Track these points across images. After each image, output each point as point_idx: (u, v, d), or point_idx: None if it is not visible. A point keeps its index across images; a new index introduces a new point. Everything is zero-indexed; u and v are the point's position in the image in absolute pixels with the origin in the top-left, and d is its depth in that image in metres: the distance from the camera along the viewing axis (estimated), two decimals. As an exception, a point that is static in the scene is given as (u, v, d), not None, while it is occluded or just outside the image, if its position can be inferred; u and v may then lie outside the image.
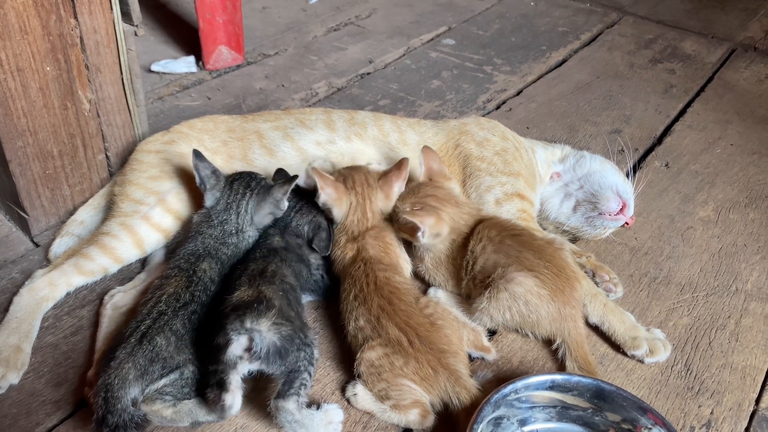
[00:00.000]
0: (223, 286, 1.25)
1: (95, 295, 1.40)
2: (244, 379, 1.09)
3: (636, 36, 2.71)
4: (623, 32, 2.74)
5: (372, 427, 1.17)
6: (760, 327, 1.41)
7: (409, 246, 1.42)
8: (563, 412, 1.18)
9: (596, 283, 1.44)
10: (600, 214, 1.53)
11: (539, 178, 1.63)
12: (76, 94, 1.47)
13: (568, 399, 1.17)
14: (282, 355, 1.08)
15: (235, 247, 1.33)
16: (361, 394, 1.18)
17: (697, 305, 1.46)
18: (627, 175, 1.72)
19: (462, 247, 1.34)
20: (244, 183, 1.37)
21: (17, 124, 1.40)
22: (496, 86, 2.30)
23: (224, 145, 1.55)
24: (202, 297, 1.21)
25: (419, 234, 1.32)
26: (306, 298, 1.37)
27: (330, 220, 1.41)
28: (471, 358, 1.27)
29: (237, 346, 1.07)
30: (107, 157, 1.61)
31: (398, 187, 1.41)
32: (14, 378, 1.21)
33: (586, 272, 1.45)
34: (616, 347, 1.34)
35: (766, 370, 1.32)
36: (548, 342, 1.32)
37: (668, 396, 1.26)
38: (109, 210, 1.50)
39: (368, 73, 2.35)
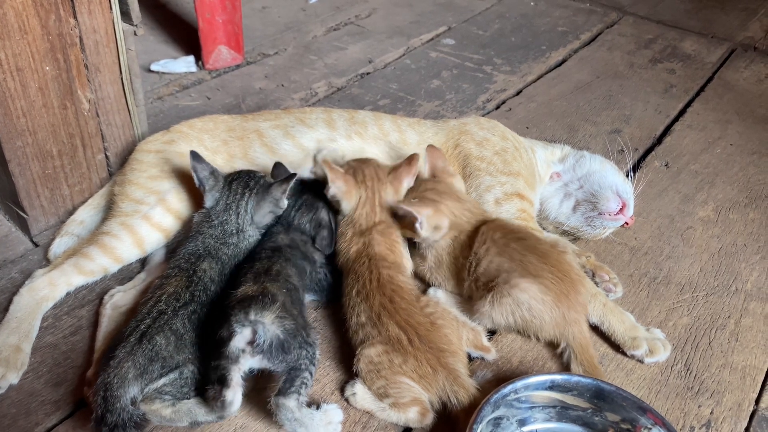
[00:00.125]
0: (229, 284, 1.25)
1: (95, 294, 1.40)
2: (245, 378, 1.09)
3: (636, 36, 2.71)
4: (623, 32, 2.74)
5: (372, 427, 1.17)
6: (760, 327, 1.41)
7: (412, 246, 1.42)
8: (563, 412, 1.18)
9: (596, 283, 1.44)
10: (600, 214, 1.53)
11: (539, 178, 1.63)
12: (75, 94, 1.47)
13: (568, 399, 1.17)
14: (284, 349, 1.09)
15: (236, 246, 1.33)
16: (360, 393, 1.18)
17: (696, 305, 1.46)
18: (627, 175, 1.72)
19: (465, 247, 1.34)
20: (243, 183, 1.37)
21: (16, 124, 1.40)
22: (495, 86, 2.30)
23: (224, 144, 1.55)
24: (202, 297, 1.21)
25: (417, 225, 1.32)
26: (308, 298, 1.37)
27: (335, 212, 1.41)
28: (471, 358, 1.27)
29: (240, 338, 1.07)
30: (107, 156, 1.61)
31: (407, 182, 1.41)
32: (14, 378, 1.21)
33: (585, 272, 1.45)
34: (616, 347, 1.34)
35: (766, 370, 1.32)
36: (549, 342, 1.32)
37: (668, 396, 1.26)
38: (108, 210, 1.50)
39: (368, 73, 2.34)
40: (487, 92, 2.26)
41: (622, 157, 1.90)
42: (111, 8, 1.45)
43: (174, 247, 1.43)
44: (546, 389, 1.16)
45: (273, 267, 1.23)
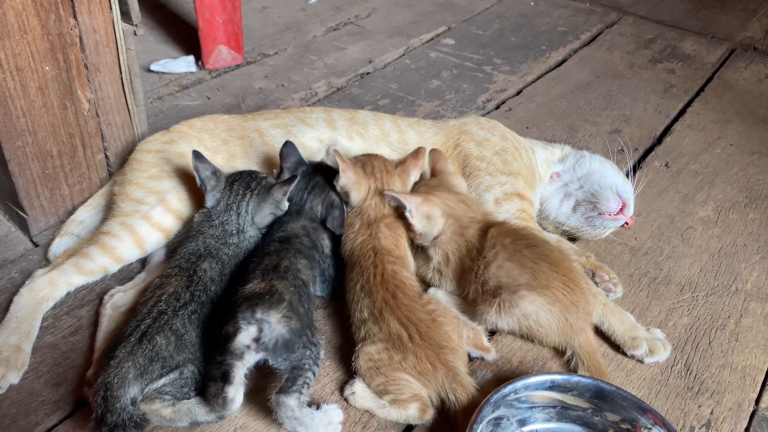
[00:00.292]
0: (237, 278, 1.26)
1: (95, 294, 1.40)
2: (246, 377, 1.09)
3: (636, 36, 2.71)
4: (623, 32, 2.74)
5: (371, 426, 1.17)
6: (760, 327, 1.41)
7: (418, 249, 1.41)
8: (563, 413, 1.18)
9: (596, 283, 1.44)
10: (600, 214, 1.53)
11: (539, 178, 1.63)
12: (75, 94, 1.47)
13: (568, 399, 1.17)
14: (289, 348, 1.09)
15: (236, 247, 1.33)
16: (359, 392, 1.18)
17: (696, 305, 1.46)
18: (627, 175, 1.72)
19: (473, 249, 1.33)
20: (244, 183, 1.37)
21: (16, 124, 1.40)
22: (495, 86, 2.30)
23: (225, 143, 1.55)
24: (202, 296, 1.21)
25: (408, 214, 1.33)
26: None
27: (344, 203, 1.41)
28: (470, 358, 1.27)
29: (246, 335, 1.08)
30: (106, 156, 1.61)
31: (415, 175, 1.43)
32: (14, 378, 1.21)
33: (585, 272, 1.45)
34: (616, 347, 1.34)
35: (766, 370, 1.32)
36: (550, 346, 1.32)
37: (668, 396, 1.26)
38: (108, 210, 1.50)
39: (368, 73, 2.34)
40: (487, 92, 2.26)
41: (622, 157, 1.90)
42: (111, 8, 1.45)
43: (174, 246, 1.43)
44: (546, 389, 1.16)
45: (282, 263, 1.23)
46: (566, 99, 2.24)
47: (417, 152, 1.43)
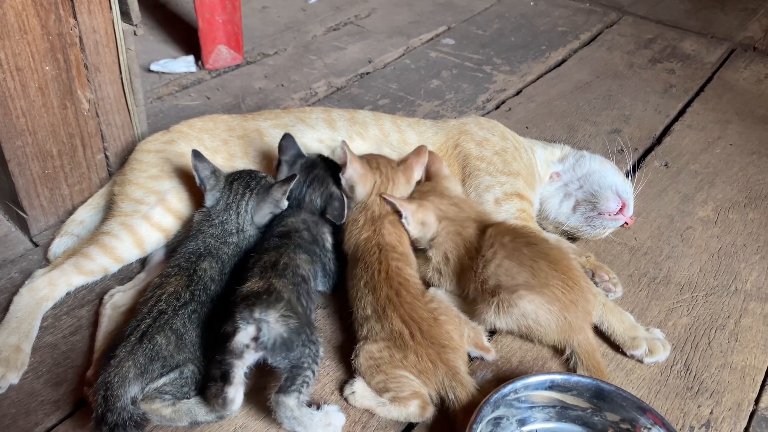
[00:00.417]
0: (236, 274, 1.26)
1: (94, 294, 1.40)
2: (246, 376, 1.09)
3: (635, 36, 2.71)
4: (623, 32, 2.74)
5: (371, 426, 1.17)
6: (760, 327, 1.41)
7: (417, 250, 1.42)
8: (562, 412, 1.18)
9: (596, 283, 1.44)
10: (599, 213, 1.53)
11: (539, 178, 1.63)
12: (75, 94, 1.47)
13: (568, 399, 1.17)
14: (288, 346, 1.09)
15: (236, 246, 1.33)
16: (359, 391, 1.19)
17: (696, 305, 1.46)
18: (626, 175, 1.72)
19: (471, 248, 1.33)
20: (244, 183, 1.37)
21: (16, 124, 1.40)
22: (495, 86, 2.30)
23: (225, 143, 1.55)
24: (202, 296, 1.21)
25: (404, 221, 1.35)
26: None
27: (347, 197, 1.41)
28: (470, 358, 1.27)
29: (244, 334, 1.08)
30: (106, 156, 1.61)
31: (418, 172, 1.44)
32: (14, 378, 1.21)
33: (585, 272, 1.45)
34: (616, 347, 1.34)
35: (765, 370, 1.32)
36: (549, 345, 1.32)
37: (668, 396, 1.26)
38: (108, 210, 1.50)
39: (368, 73, 2.34)
40: (486, 92, 2.26)
41: (621, 157, 1.90)
42: (111, 8, 1.45)
43: (174, 246, 1.43)
44: (546, 389, 1.16)
45: (281, 259, 1.23)
46: (566, 99, 2.24)
47: (419, 150, 1.45)
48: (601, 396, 1.15)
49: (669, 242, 1.63)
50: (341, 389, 1.22)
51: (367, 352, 1.19)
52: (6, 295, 1.37)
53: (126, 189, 1.46)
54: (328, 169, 1.43)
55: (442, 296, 1.36)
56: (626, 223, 1.55)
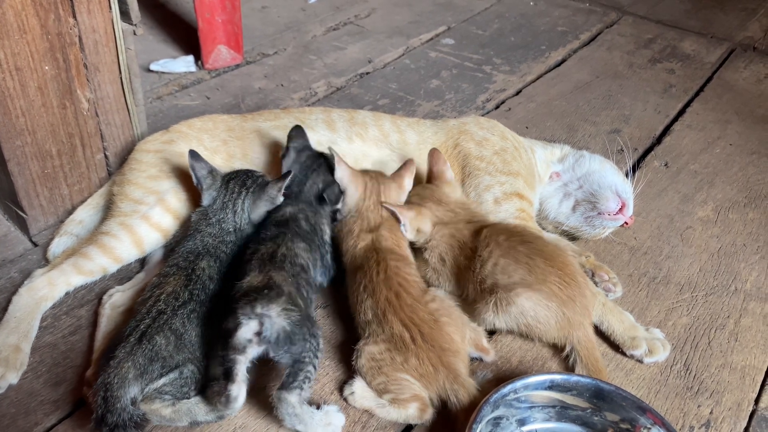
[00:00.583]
0: (234, 267, 1.26)
1: (94, 294, 1.39)
2: (248, 371, 1.09)
3: (635, 36, 2.71)
4: (622, 32, 2.74)
5: (371, 426, 1.17)
6: (759, 327, 1.41)
7: (416, 251, 1.42)
8: (562, 412, 1.18)
9: (595, 283, 1.44)
10: (599, 213, 1.53)
11: (538, 178, 1.63)
12: (74, 94, 1.47)
13: (567, 399, 1.17)
14: (291, 340, 1.09)
15: (234, 245, 1.33)
16: (358, 391, 1.18)
17: (696, 305, 1.46)
18: (626, 175, 1.72)
19: (467, 248, 1.33)
20: (240, 182, 1.37)
21: (15, 123, 1.40)
22: (495, 86, 2.30)
23: (224, 144, 1.55)
24: (201, 295, 1.21)
25: (402, 228, 1.37)
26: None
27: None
28: (470, 359, 1.27)
29: (247, 329, 1.08)
30: (106, 156, 1.61)
31: (408, 180, 1.44)
32: (13, 378, 1.20)
33: (585, 272, 1.45)
34: (615, 347, 1.34)
35: (765, 370, 1.32)
36: (551, 344, 1.32)
37: (667, 396, 1.26)
38: (108, 209, 1.49)
39: (367, 73, 2.34)
40: (486, 92, 2.26)
41: (621, 156, 1.90)
42: (110, 8, 1.45)
43: (173, 246, 1.43)
44: (545, 389, 1.16)
45: (278, 250, 1.23)
46: (566, 99, 2.24)
47: (406, 162, 1.46)
48: (600, 396, 1.15)
49: (669, 242, 1.63)
50: (341, 389, 1.22)
51: (369, 354, 1.19)
52: (5, 295, 1.36)
53: (125, 189, 1.46)
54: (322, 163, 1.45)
55: (443, 295, 1.36)
56: (626, 222, 1.55)
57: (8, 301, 1.33)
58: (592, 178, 1.58)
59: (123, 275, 1.44)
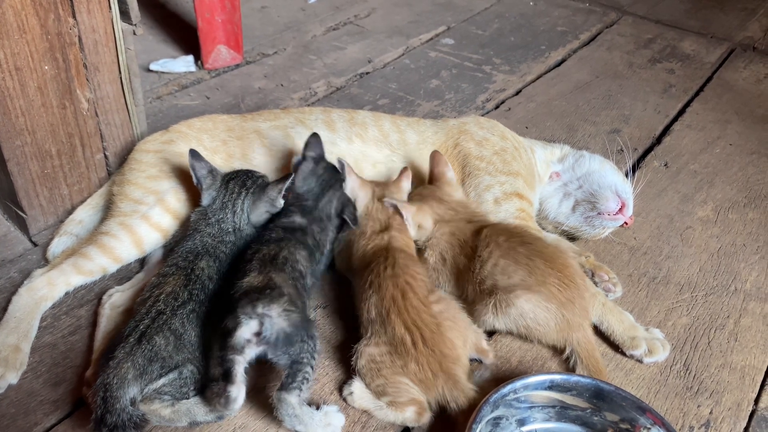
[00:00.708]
0: (234, 267, 1.26)
1: (93, 294, 1.39)
2: (246, 371, 1.09)
3: (635, 36, 2.71)
4: (622, 32, 2.74)
5: (371, 426, 1.17)
6: (759, 327, 1.41)
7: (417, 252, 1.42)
8: (562, 412, 1.18)
9: (595, 283, 1.44)
10: (599, 213, 1.53)
11: (538, 178, 1.63)
12: (74, 93, 1.47)
13: (567, 399, 1.17)
14: (290, 341, 1.10)
15: (233, 245, 1.33)
16: (357, 392, 1.18)
17: (696, 305, 1.46)
18: (626, 175, 1.72)
19: (466, 247, 1.33)
20: (240, 182, 1.37)
21: (15, 123, 1.40)
22: (495, 86, 2.30)
23: (224, 144, 1.55)
24: (200, 295, 1.21)
25: (405, 221, 1.37)
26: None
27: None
28: (470, 360, 1.27)
29: (246, 329, 1.08)
30: (105, 156, 1.61)
31: (407, 183, 1.46)
32: (13, 378, 1.20)
33: (585, 272, 1.45)
34: (615, 347, 1.34)
35: (765, 370, 1.32)
36: (549, 345, 1.32)
37: (667, 396, 1.26)
38: (107, 210, 1.50)
39: (367, 73, 2.34)
40: (486, 92, 2.26)
41: (621, 156, 1.90)
42: (110, 7, 1.45)
43: (172, 246, 1.43)
44: (545, 389, 1.16)
45: (280, 253, 1.23)
46: (565, 99, 2.24)
47: (403, 170, 1.47)
48: (600, 396, 1.15)
49: (669, 242, 1.63)
50: (340, 389, 1.22)
51: (369, 355, 1.18)
52: (5, 295, 1.36)
53: (125, 189, 1.46)
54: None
55: (449, 297, 1.35)
56: (626, 222, 1.55)
57: (8, 301, 1.33)
58: (592, 178, 1.58)
59: (123, 275, 1.44)
